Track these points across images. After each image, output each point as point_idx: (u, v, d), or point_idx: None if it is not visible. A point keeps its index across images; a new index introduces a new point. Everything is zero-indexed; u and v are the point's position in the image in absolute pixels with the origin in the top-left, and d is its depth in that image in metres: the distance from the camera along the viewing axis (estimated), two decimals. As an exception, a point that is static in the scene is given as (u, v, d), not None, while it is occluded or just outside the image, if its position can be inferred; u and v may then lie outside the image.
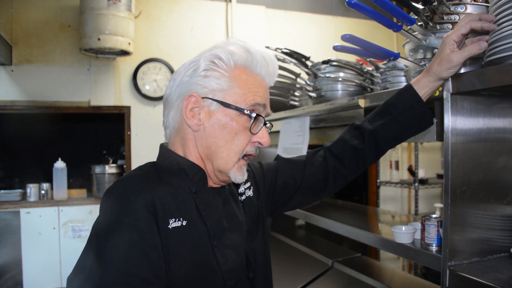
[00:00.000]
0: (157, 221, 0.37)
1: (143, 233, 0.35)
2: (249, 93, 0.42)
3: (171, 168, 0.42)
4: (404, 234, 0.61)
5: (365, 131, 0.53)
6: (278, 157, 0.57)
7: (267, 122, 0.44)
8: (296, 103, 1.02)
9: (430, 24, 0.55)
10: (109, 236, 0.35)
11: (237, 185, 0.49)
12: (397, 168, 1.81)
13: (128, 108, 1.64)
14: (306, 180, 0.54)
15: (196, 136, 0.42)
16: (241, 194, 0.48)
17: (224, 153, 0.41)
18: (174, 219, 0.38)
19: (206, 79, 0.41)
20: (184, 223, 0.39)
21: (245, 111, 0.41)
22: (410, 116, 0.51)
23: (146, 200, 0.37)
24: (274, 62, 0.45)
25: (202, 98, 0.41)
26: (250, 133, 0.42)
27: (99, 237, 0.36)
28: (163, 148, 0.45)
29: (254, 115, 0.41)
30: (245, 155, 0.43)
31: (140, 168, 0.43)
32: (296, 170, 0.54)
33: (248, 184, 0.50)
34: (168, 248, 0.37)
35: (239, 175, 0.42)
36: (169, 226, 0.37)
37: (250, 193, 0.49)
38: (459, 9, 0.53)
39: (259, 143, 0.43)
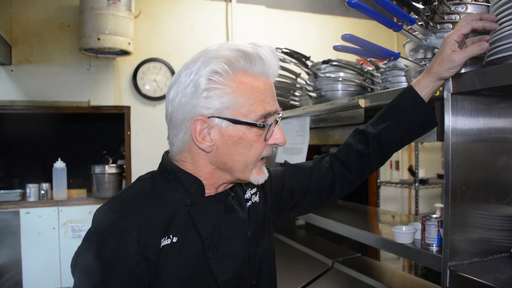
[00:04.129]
0: (145, 244, 0.36)
1: (128, 259, 0.35)
2: (256, 103, 0.39)
3: (168, 179, 0.42)
4: (404, 234, 0.61)
5: (369, 135, 0.53)
6: (285, 163, 0.57)
7: (277, 119, 0.42)
8: (296, 103, 1.02)
9: (431, 24, 0.55)
10: (90, 258, 0.36)
11: (243, 190, 0.48)
12: (397, 168, 1.81)
13: (128, 108, 1.64)
14: (312, 186, 0.53)
15: (209, 156, 0.41)
16: (247, 200, 0.48)
17: (242, 165, 0.41)
18: (164, 237, 0.38)
19: (208, 100, 0.38)
20: (174, 240, 0.38)
21: (258, 124, 0.39)
22: (412, 117, 0.51)
23: (132, 224, 0.36)
24: (271, 54, 0.41)
25: (209, 118, 0.39)
26: (265, 140, 0.41)
27: (84, 256, 0.36)
28: (164, 157, 0.44)
29: (268, 125, 0.40)
30: (261, 158, 0.42)
31: (138, 180, 0.43)
32: (303, 176, 0.54)
33: (254, 190, 0.49)
34: (159, 267, 0.37)
35: (259, 177, 0.42)
36: (160, 246, 0.37)
37: (256, 198, 0.49)
38: (460, 8, 0.53)
39: (276, 143, 0.42)
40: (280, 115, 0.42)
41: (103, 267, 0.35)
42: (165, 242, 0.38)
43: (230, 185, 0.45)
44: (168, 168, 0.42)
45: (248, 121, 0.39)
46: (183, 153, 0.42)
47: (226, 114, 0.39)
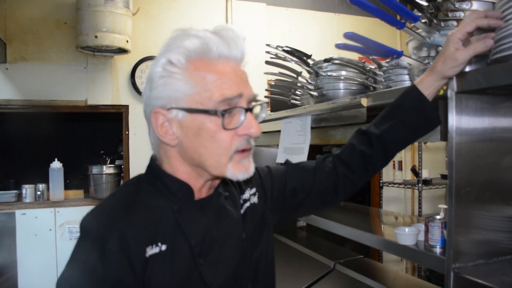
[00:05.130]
0: (130, 253, 0.35)
1: (113, 270, 0.34)
2: (214, 89, 0.36)
3: (154, 184, 0.40)
4: (407, 235, 0.60)
5: (372, 135, 0.51)
6: (287, 163, 0.55)
7: (250, 108, 0.38)
8: (297, 102, 1.00)
9: (434, 21, 0.54)
10: (77, 270, 0.35)
11: (242, 190, 0.46)
12: (400, 168, 1.79)
13: (126, 107, 1.62)
14: (316, 186, 0.52)
15: (179, 151, 0.38)
16: (245, 201, 0.46)
17: (209, 159, 0.37)
18: (151, 246, 0.36)
19: (163, 89, 0.36)
20: (163, 248, 0.36)
21: (210, 111, 0.35)
22: (416, 117, 0.50)
23: (115, 233, 0.35)
24: (233, 35, 0.37)
25: (168, 110, 0.36)
26: (227, 129, 0.36)
27: (70, 269, 0.35)
28: (151, 161, 0.42)
29: (220, 111, 0.35)
30: (239, 151, 0.38)
31: (124, 185, 0.42)
32: (306, 176, 0.52)
33: (254, 190, 0.47)
34: (147, 277, 0.35)
35: (238, 172, 0.38)
36: (146, 255, 0.36)
37: (255, 199, 0.47)
38: (464, 5, 0.52)
39: (247, 134, 0.37)
40: (256, 103, 0.38)
41: (90, 278, 0.34)
42: (153, 251, 0.36)
43: (217, 181, 0.42)
44: (155, 173, 0.41)
45: (202, 108, 0.35)
46: (159, 151, 0.40)
47: (182, 104, 0.36)
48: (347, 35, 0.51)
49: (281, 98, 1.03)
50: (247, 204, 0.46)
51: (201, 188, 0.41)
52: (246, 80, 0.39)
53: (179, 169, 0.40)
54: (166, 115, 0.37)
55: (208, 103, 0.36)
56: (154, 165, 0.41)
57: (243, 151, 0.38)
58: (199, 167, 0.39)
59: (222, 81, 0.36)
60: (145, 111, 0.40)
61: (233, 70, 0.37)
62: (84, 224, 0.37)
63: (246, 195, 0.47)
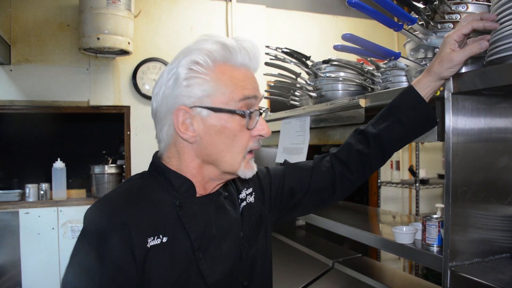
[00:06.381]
0: (132, 243, 0.36)
1: (115, 258, 0.36)
2: (236, 90, 0.40)
3: (158, 180, 0.42)
4: (405, 234, 0.61)
5: (369, 135, 0.52)
6: (285, 163, 0.56)
7: (261, 111, 0.43)
8: (297, 103, 1.01)
9: (431, 23, 0.55)
10: (81, 259, 0.37)
11: (238, 190, 0.48)
12: (398, 168, 1.81)
13: (128, 108, 1.64)
14: (313, 185, 0.53)
15: (194, 148, 0.41)
16: (242, 200, 0.47)
17: (227, 156, 0.40)
18: (152, 237, 0.38)
19: (189, 88, 0.39)
20: (164, 240, 0.38)
21: (237, 111, 0.39)
22: (413, 117, 0.51)
23: (118, 223, 0.37)
24: (252, 46, 0.42)
25: (191, 107, 0.39)
26: (248, 130, 0.41)
27: (74, 259, 0.37)
28: (154, 157, 0.44)
29: (248, 112, 0.40)
30: (250, 151, 0.42)
31: (127, 180, 0.43)
32: (303, 175, 0.53)
33: (251, 190, 0.49)
34: (148, 267, 0.37)
35: (247, 171, 0.42)
36: (147, 245, 0.37)
37: (251, 199, 0.48)
38: (460, 8, 0.53)
39: (260, 135, 0.42)
40: (263, 109, 0.43)
41: (93, 266, 0.35)
42: (154, 242, 0.38)
43: (221, 184, 0.44)
44: (158, 169, 0.42)
45: (229, 108, 0.39)
46: (170, 148, 0.42)
47: (207, 103, 0.39)
48: (345, 37, 0.52)
49: (280, 99, 1.04)
50: (244, 204, 0.47)
51: (204, 186, 0.43)
52: (258, 86, 0.43)
53: (189, 165, 0.41)
54: (190, 113, 0.39)
55: (231, 103, 0.40)
56: (157, 162, 0.43)
57: (251, 151, 0.42)
58: (211, 164, 0.41)
59: (243, 83, 0.41)
60: (159, 110, 0.41)
61: (250, 77, 0.42)
62: (88, 215, 0.39)
63: (242, 194, 0.48)
